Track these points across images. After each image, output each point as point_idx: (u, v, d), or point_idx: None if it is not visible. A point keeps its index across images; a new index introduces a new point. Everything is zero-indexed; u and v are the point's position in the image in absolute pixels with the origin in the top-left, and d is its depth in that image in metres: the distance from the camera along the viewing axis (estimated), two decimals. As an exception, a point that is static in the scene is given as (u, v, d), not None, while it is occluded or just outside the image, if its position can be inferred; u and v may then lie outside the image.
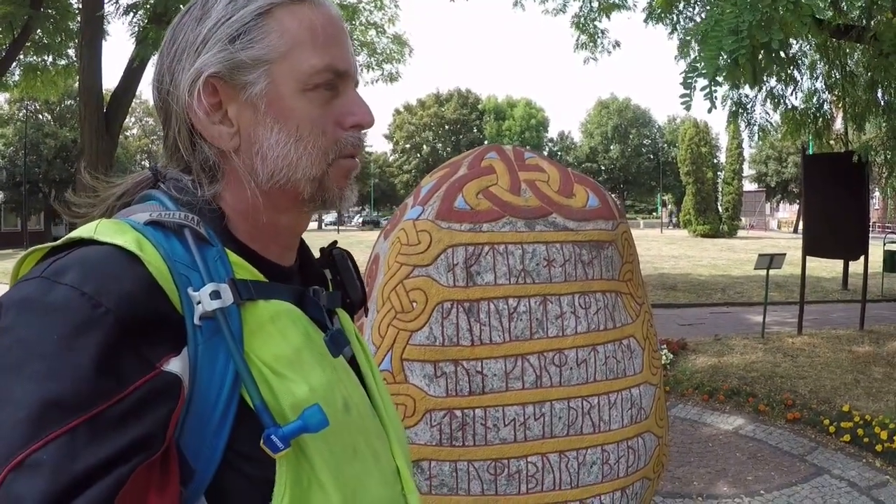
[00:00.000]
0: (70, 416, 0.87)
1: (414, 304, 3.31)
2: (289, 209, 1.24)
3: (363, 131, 1.27)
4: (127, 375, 0.93)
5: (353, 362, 1.37)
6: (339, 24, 1.25)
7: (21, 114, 50.76)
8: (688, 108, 5.53)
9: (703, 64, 5.56)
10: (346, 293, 1.43)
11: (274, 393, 1.05)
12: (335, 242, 1.47)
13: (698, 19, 12.65)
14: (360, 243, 34.63)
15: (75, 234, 1.06)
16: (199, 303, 1.03)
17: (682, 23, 13.38)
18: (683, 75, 5.49)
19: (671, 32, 13.55)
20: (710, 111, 5.85)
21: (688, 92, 5.46)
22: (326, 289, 1.39)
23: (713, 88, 5.52)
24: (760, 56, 7.15)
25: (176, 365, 0.99)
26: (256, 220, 1.22)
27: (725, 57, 5.69)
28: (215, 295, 1.04)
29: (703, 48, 5.69)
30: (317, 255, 1.45)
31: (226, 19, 1.16)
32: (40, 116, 57.42)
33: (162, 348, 0.99)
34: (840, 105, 14.72)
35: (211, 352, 1.03)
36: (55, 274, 0.98)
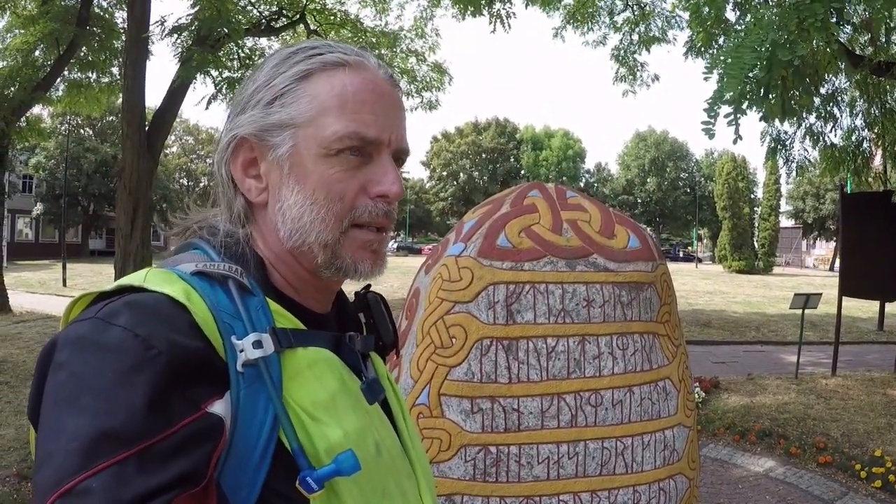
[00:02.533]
0: (121, 449, 0.91)
1: (453, 340, 3.33)
2: (312, 271, 1.27)
3: (391, 203, 1.27)
4: (175, 414, 0.97)
5: (384, 403, 1.40)
6: (381, 90, 1.27)
7: (63, 128, 51.27)
8: (711, 136, 5.34)
9: (724, 84, 5.42)
10: (379, 336, 1.47)
11: (310, 436, 1.09)
12: (369, 286, 1.50)
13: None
14: (394, 269, 34.71)
15: (125, 281, 1.11)
16: (242, 351, 1.07)
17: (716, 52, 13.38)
18: (708, 103, 5.36)
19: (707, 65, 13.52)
20: (735, 142, 5.55)
21: (710, 120, 5.30)
22: (361, 332, 1.43)
23: (738, 116, 5.36)
24: (796, 92, 7.10)
25: (219, 407, 1.03)
26: (289, 272, 1.28)
27: (751, 79, 5.59)
28: (258, 344, 1.08)
29: (726, 69, 5.56)
30: (351, 297, 1.49)
31: (267, 83, 1.24)
32: (82, 131, 58.15)
33: (207, 391, 1.03)
34: (879, 143, 14.61)
35: (252, 396, 1.07)
36: (109, 315, 1.02)
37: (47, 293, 27.78)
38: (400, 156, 1.30)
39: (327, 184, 1.21)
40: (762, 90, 5.82)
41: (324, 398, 1.14)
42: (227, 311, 1.11)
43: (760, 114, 6.91)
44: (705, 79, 5.68)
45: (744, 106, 5.61)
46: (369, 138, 1.22)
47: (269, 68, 1.25)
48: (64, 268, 31.89)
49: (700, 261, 77.11)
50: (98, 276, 33.97)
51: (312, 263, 1.25)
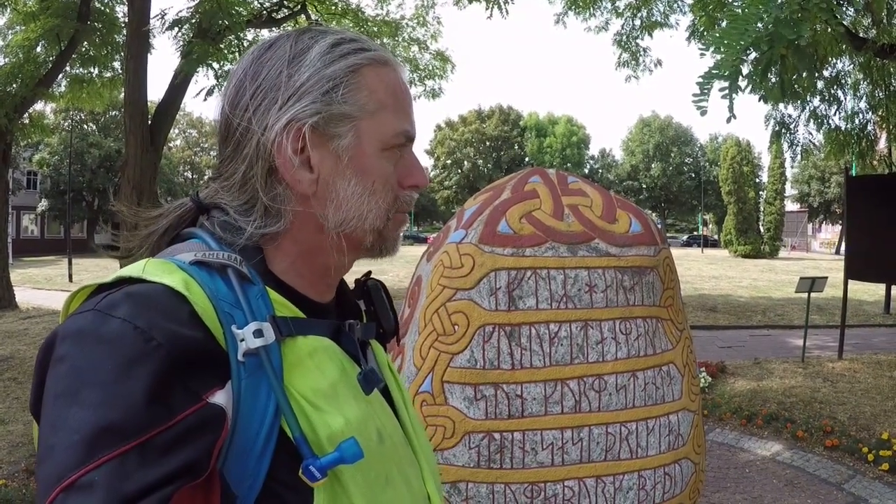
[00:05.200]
0: (122, 442, 0.91)
1: (456, 327, 3.33)
2: (347, 254, 1.29)
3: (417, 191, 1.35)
4: (176, 406, 0.97)
5: (385, 391, 1.41)
6: (409, 90, 1.35)
7: (66, 123, 51.25)
8: (703, 112, 5.26)
9: (722, 53, 5.30)
10: (380, 324, 1.47)
11: (312, 425, 1.09)
12: (369, 273, 1.52)
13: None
14: (400, 258, 34.56)
15: (124, 272, 1.11)
16: (242, 340, 1.07)
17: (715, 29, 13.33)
18: (703, 77, 5.23)
19: (701, 38, 13.47)
20: (729, 121, 5.38)
21: (702, 94, 5.18)
22: (361, 320, 1.44)
23: (731, 91, 5.25)
24: (799, 73, 7.03)
25: (221, 398, 1.03)
26: (313, 261, 1.27)
27: (747, 58, 5.49)
28: (258, 333, 1.08)
29: (723, 36, 5.45)
30: (351, 285, 1.49)
31: (320, 71, 1.21)
32: (85, 126, 58.12)
33: (208, 381, 1.03)
34: (884, 125, 14.58)
35: (253, 386, 1.07)
36: (108, 307, 1.02)
37: (53, 289, 27.85)
38: None
39: (384, 177, 1.27)
40: (761, 68, 5.76)
41: (325, 386, 1.14)
42: (226, 300, 1.11)
43: (759, 95, 6.86)
44: (701, 55, 5.61)
45: (741, 83, 5.51)
46: (412, 136, 1.31)
47: (317, 56, 1.22)
48: (70, 263, 31.86)
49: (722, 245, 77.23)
50: (104, 271, 33.86)
51: (359, 246, 1.29)
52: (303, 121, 1.20)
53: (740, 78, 5.38)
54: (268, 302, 1.15)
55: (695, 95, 5.10)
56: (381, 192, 1.26)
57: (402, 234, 1.38)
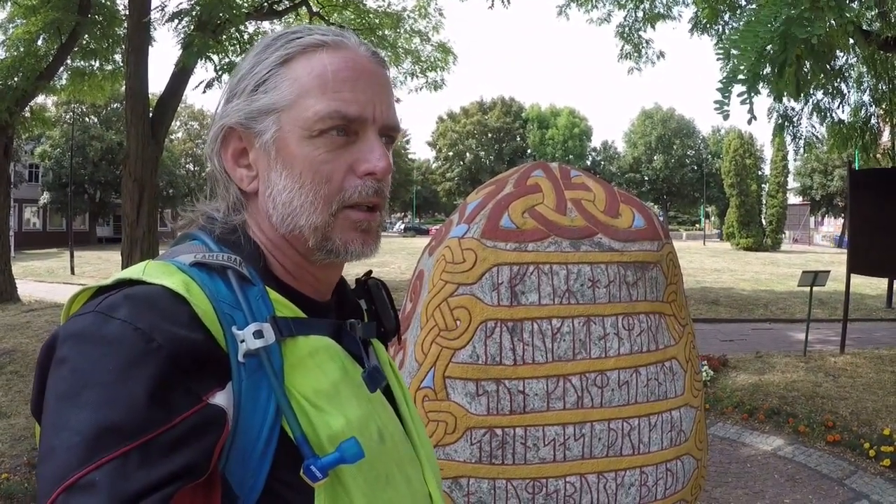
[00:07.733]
0: (123, 442, 0.91)
1: (458, 323, 3.32)
2: (306, 256, 1.26)
3: (380, 180, 1.25)
4: (176, 406, 0.97)
5: (386, 390, 1.41)
6: (361, 67, 1.25)
7: (68, 116, 51.29)
8: (725, 116, 5.23)
9: (737, 58, 5.29)
10: (381, 322, 1.47)
11: (313, 425, 1.10)
12: (370, 272, 1.52)
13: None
14: (402, 250, 34.86)
15: (124, 274, 1.11)
16: (243, 341, 1.07)
17: (726, 33, 13.26)
18: (722, 82, 5.24)
19: (716, 43, 13.43)
20: (749, 122, 5.39)
21: (723, 98, 5.19)
22: (362, 319, 1.43)
23: (751, 95, 5.26)
24: (805, 67, 7.01)
25: (221, 398, 1.04)
26: (288, 261, 1.27)
27: (764, 57, 5.48)
28: (258, 334, 1.08)
29: (738, 41, 5.44)
30: (352, 284, 1.49)
31: (251, 71, 1.24)
32: (87, 119, 58.10)
33: (208, 383, 1.03)
34: (887, 119, 14.54)
35: (254, 387, 1.07)
36: (109, 309, 1.02)
37: (55, 281, 27.83)
38: (388, 132, 1.28)
39: (313, 166, 1.20)
40: (776, 68, 5.75)
41: (326, 387, 1.15)
42: (227, 301, 1.11)
43: (773, 91, 6.84)
44: (717, 59, 5.60)
45: (758, 85, 5.51)
46: (351, 116, 1.21)
47: (252, 57, 1.25)
48: (72, 256, 31.92)
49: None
50: (106, 263, 34.04)
51: (305, 247, 1.24)
52: (228, 121, 1.24)
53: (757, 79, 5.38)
54: (268, 302, 1.16)
55: (716, 102, 5.11)
56: (311, 185, 1.20)
57: (362, 235, 1.26)
